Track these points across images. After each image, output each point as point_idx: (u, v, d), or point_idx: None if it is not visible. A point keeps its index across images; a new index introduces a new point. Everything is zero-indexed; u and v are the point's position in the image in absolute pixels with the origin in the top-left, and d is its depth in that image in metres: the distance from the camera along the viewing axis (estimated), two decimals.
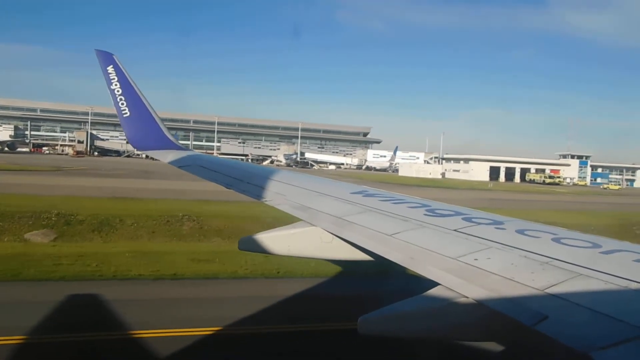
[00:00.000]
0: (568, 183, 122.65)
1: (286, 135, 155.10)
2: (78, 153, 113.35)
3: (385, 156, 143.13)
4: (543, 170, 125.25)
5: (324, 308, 13.31)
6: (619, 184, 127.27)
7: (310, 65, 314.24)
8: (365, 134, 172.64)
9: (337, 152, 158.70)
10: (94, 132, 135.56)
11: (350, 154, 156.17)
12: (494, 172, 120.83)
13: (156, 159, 11.38)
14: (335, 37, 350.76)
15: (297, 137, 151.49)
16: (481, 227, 4.37)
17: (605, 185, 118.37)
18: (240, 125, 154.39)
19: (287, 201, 6.28)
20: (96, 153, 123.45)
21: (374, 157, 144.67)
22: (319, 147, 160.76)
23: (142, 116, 10.91)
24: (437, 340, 3.79)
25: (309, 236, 5.08)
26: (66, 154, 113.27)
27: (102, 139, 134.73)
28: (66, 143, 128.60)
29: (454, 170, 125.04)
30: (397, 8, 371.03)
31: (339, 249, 4.91)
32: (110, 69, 10.55)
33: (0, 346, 9.71)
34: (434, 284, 3.34)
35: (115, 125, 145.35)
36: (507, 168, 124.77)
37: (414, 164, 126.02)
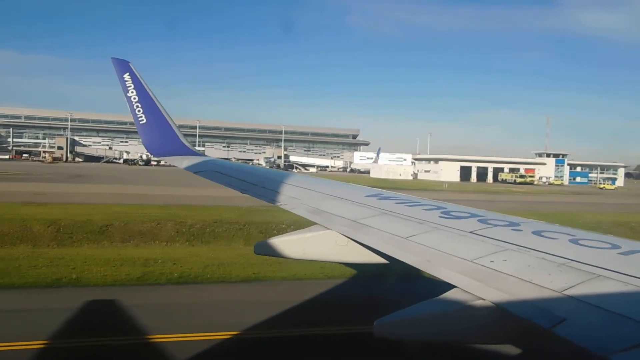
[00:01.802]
0: (544, 182, 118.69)
1: (273, 138, 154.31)
2: (54, 159, 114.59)
3: (371, 158, 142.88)
4: (517, 170, 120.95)
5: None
6: (605, 183, 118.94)
7: (303, 68, 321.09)
8: (354, 136, 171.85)
9: (324, 155, 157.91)
10: (76, 138, 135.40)
11: (338, 157, 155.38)
12: (466, 172, 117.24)
13: (172, 166, 11.43)
14: (329, 39, 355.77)
15: (285, 140, 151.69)
16: (497, 229, 4.35)
17: (602, 185, 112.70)
18: (226, 129, 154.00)
19: (302, 205, 6.33)
20: (79, 159, 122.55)
21: (360, 159, 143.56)
22: (305, 150, 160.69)
23: (158, 123, 11.03)
24: (454, 343, 3.80)
25: (324, 240, 5.11)
26: (42, 161, 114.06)
27: (85, 145, 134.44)
28: (46, 149, 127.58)
29: (426, 171, 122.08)
30: (392, 9, 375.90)
31: (354, 252, 4.94)
32: (126, 76, 10.68)
33: None
34: (450, 286, 3.34)
35: (98, 130, 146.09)
36: (478, 168, 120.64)
37: (384, 165, 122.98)
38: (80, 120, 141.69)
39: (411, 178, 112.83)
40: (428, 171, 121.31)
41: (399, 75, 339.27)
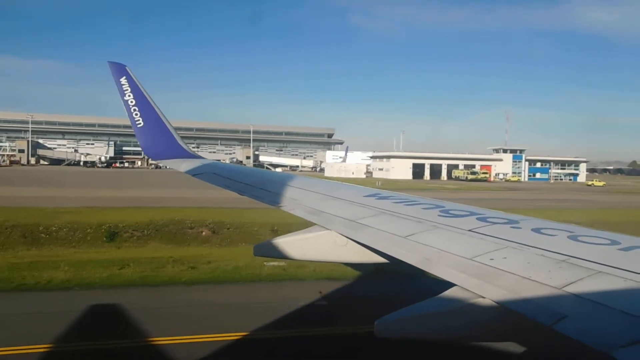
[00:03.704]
0: (501, 179, 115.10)
1: (245, 138, 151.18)
2: (12, 162, 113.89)
3: (342, 157, 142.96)
4: (473, 167, 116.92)
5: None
6: (594, 180, 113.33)
7: (287, 67, 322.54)
8: (330, 135, 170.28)
9: (296, 155, 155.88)
10: (41, 140, 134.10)
11: (311, 156, 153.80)
12: (419, 170, 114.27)
13: (169, 168, 11.44)
14: (317, 39, 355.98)
15: (258, 140, 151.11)
16: (496, 227, 4.34)
17: (590, 182, 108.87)
18: (198, 129, 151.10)
19: (300, 206, 6.32)
20: (45, 162, 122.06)
21: (333, 158, 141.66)
22: (277, 150, 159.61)
23: (156, 126, 10.99)
24: (455, 341, 3.82)
25: (324, 240, 5.11)
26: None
27: (49, 148, 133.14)
28: (7, 152, 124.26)
29: (379, 169, 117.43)
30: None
31: (353, 252, 4.95)
32: (123, 80, 10.62)
33: None
34: (450, 285, 3.33)
35: (64, 133, 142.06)
36: (432, 165, 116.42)
37: (335, 164, 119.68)
38: (47, 123, 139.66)
39: (364, 176, 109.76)
40: (381, 169, 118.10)
41: (378, 74, 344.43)
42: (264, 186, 7.99)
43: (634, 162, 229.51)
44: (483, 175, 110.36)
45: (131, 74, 10.60)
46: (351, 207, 5.90)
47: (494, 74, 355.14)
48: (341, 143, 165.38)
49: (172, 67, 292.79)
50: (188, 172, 10.21)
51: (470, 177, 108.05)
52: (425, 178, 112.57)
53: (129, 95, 10.60)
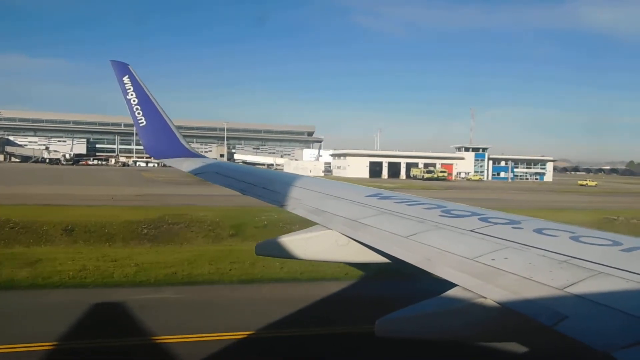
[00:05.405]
0: (462, 178, 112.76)
1: (222, 136, 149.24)
2: None
3: (322, 156, 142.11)
4: (433, 165, 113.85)
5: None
6: (587, 180, 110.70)
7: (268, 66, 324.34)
8: (310, 133, 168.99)
9: (273, 153, 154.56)
10: (12, 137, 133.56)
11: (288, 154, 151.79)
12: (377, 168, 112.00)
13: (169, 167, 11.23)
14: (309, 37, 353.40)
15: (236, 138, 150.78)
16: (498, 227, 4.33)
17: (583, 182, 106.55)
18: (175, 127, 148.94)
19: (302, 205, 6.31)
20: (16, 159, 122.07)
21: (311, 156, 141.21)
22: (254, 148, 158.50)
23: (158, 125, 10.98)
24: (456, 341, 3.86)
25: (325, 239, 5.12)
26: None
27: (19, 145, 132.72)
28: None
29: (338, 167, 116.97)
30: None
31: (354, 251, 4.96)
32: (126, 79, 10.60)
33: None
34: (452, 285, 3.33)
35: (35, 130, 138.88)
36: (390, 163, 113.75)
37: (292, 162, 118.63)
38: (21, 120, 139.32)
39: (322, 174, 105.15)
40: (339, 167, 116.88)
41: (369, 74, 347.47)
42: (267, 186, 7.99)
43: (631, 162, 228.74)
44: (441, 174, 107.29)
45: (134, 73, 10.59)
46: (353, 206, 5.90)
47: (497, 75, 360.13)
48: (320, 141, 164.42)
49: (158, 67, 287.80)
50: (190, 171, 10.21)
51: (426, 176, 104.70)
52: (383, 177, 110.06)
53: (132, 94, 10.58)
